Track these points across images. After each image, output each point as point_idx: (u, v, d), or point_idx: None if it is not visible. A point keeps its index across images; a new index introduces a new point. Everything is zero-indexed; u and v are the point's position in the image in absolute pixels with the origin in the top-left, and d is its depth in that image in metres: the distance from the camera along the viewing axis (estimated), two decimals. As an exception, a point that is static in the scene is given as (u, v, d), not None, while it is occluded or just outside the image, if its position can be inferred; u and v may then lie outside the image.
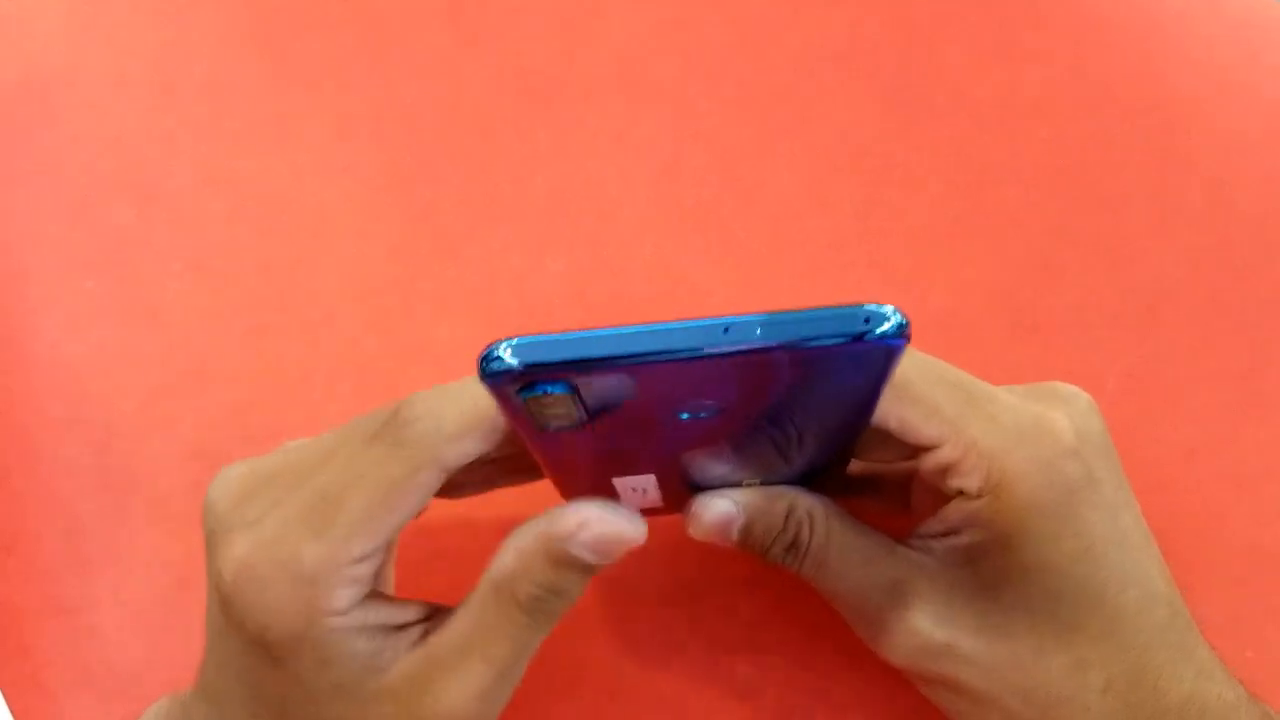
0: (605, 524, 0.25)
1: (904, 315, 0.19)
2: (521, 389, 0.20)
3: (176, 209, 0.38)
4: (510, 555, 0.25)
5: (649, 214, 0.39)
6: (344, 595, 0.24)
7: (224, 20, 0.40)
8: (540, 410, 0.21)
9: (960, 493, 0.26)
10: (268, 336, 0.37)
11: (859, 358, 0.20)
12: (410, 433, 0.24)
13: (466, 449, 0.24)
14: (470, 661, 0.25)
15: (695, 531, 0.27)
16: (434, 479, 0.24)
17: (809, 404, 0.22)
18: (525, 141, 0.39)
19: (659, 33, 0.41)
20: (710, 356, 0.19)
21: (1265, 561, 0.33)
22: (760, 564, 0.28)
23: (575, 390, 0.20)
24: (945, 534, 0.27)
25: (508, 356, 0.19)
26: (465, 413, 0.24)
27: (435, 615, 0.26)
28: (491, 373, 0.20)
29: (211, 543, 0.25)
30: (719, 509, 0.27)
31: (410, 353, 0.37)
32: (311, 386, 0.36)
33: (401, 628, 0.26)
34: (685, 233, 0.38)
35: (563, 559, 0.25)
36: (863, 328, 0.19)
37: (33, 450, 0.36)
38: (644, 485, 0.26)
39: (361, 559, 0.24)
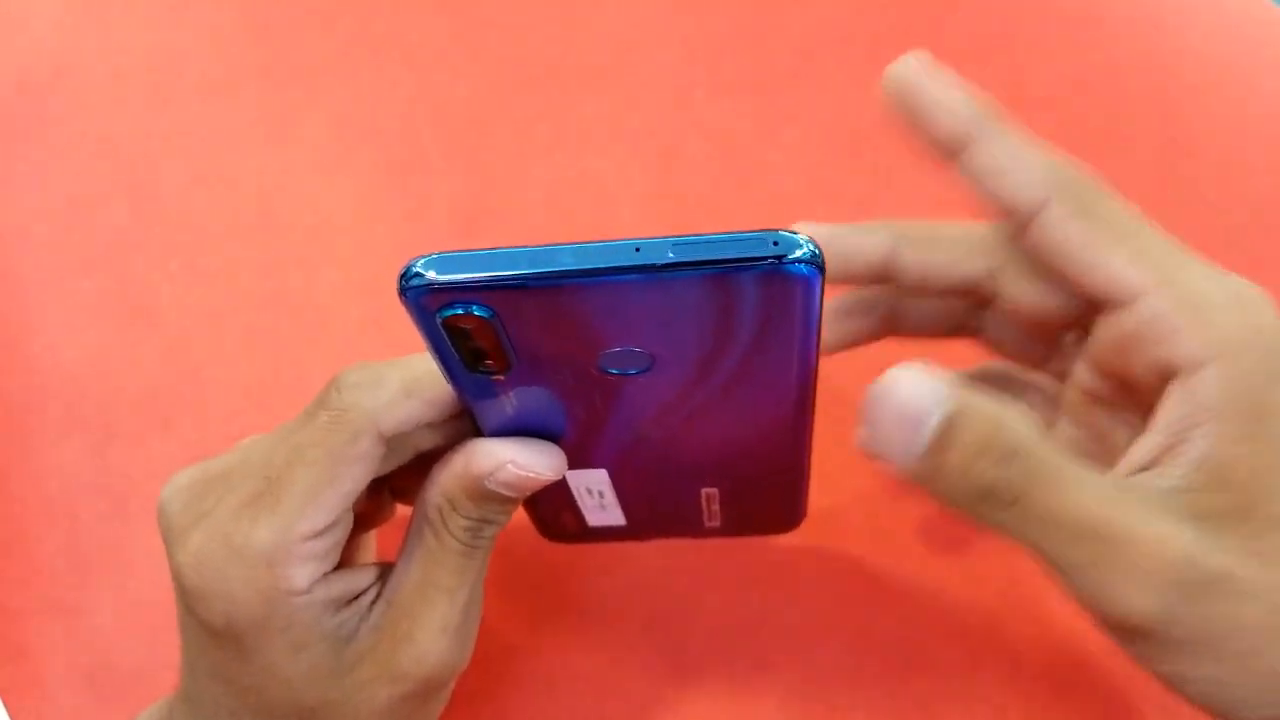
0: (520, 463, 0.24)
1: (817, 246, 0.18)
2: (439, 309, 0.20)
3: (173, 209, 0.38)
4: (436, 493, 0.25)
5: (647, 204, 0.38)
6: (302, 573, 0.24)
7: (219, 20, 0.40)
8: (464, 341, 0.20)
9: (1170, 373, 0.21)
10: (265, 336, 0.37)
11: (773, 290, 0.19)
12: (345, 399, 0.24)
13: (406, 414, 0.24)
14: (429, 599, 0.25)
15: (872, 425, 0.21)
16: (374, 446, 0.24)
17: (733, 356, 0.21)
18: (522, 134, 0.39)
19: (656, 22, 0.41)
20: (622, 281, 0.19)
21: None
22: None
23: (497, 316, 0.20)
24: (1174, 448, 0.22)
25: (423, 272, 0.19)
26: (406, 378, 0.24)
27: (387, 571, 0.26)
28: (410, 287, 0.19)
29: (168, 544, 0.25)
30: (915, 386, 0.21)
31: (407, 351, 0.36)
32: (308, 386, 0.36)
33: (362, 593, 0.26)
34: (684, 223, 0.38)
35: (484, 494, 0.24)
36: (771, 250, 0.18)
37: (31, 452, 0.36)
38: (598, 486, 0.26)
39: (314, 535, 0.24)
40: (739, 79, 0.40)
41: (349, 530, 0.26)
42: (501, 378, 0.21)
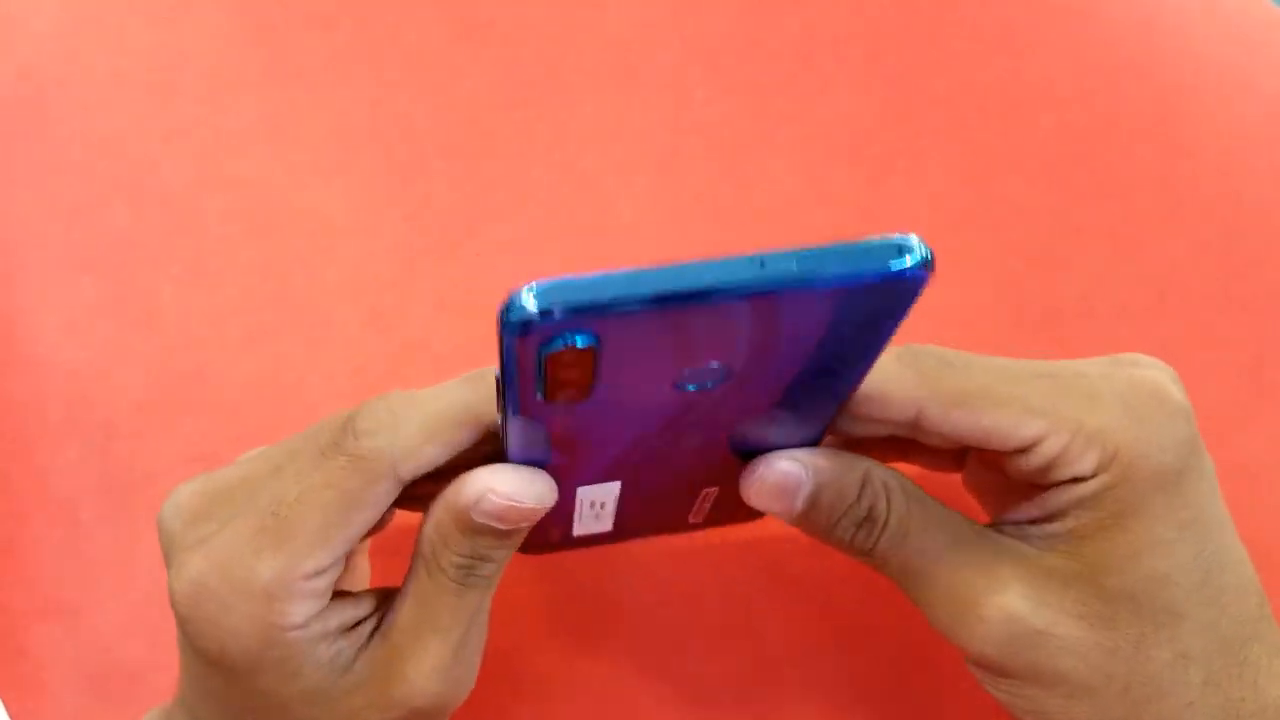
0: (501, 492, 0.23)
1: (927, 246, 0.19)
2: (543, 343, 0.18)
3: (174, 210, 0.38)
4: (430, 528, 0.25)
5: (647, 207, 0.38)
6: (301, 610, 0.24)
7: (220, 20, 0.40)
8: (556, 372, 0.19)
9: (1069, 480, 0.24)
10: (265, 337, 0.37)
11: (887, 296, 0.19)
12: (366, 445, 0.23)
13: (425, 459, 0.24)
14: (423, 640, 0.25)
15: (755, 496, 0.25)
16: (390, 492, 0.24)
17: (817, 361, 0.21)
18: (522, 136, 0.39)
19: (656, 23, 0.41)
20: (746, 296, 0.18)
21: (1274, 554, 0.33)
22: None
23: (599, 344, 0.19)
24: (1045, 519, 0.25)
25: (531, 304, 0.18)
26: (427, 420, 0.23)
27: (385, 601, 0.26)
28: (515, 321, 0.18)
29: (167, 563, 0.25)
30: (784, 470, 0.25)
31: (408, 352, 0.36)
32: (309, 387, 0.36)
33: (359, 623, 0.26)
34: (684, 225, 0.38)
35: (474, 527, 0.24)
36: (897, 259, 0.19)
37: (32, 453, 0.36)
38: (604, 499, 0.26)
39: (317, 573, 0.24)
40: (739, 80, 0.40)
41: (364, 552, 0.26)
42: (573, 406, 0.21)
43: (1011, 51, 0.40)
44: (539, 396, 0.20)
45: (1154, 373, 0.25)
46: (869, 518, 0.25)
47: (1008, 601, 0.24)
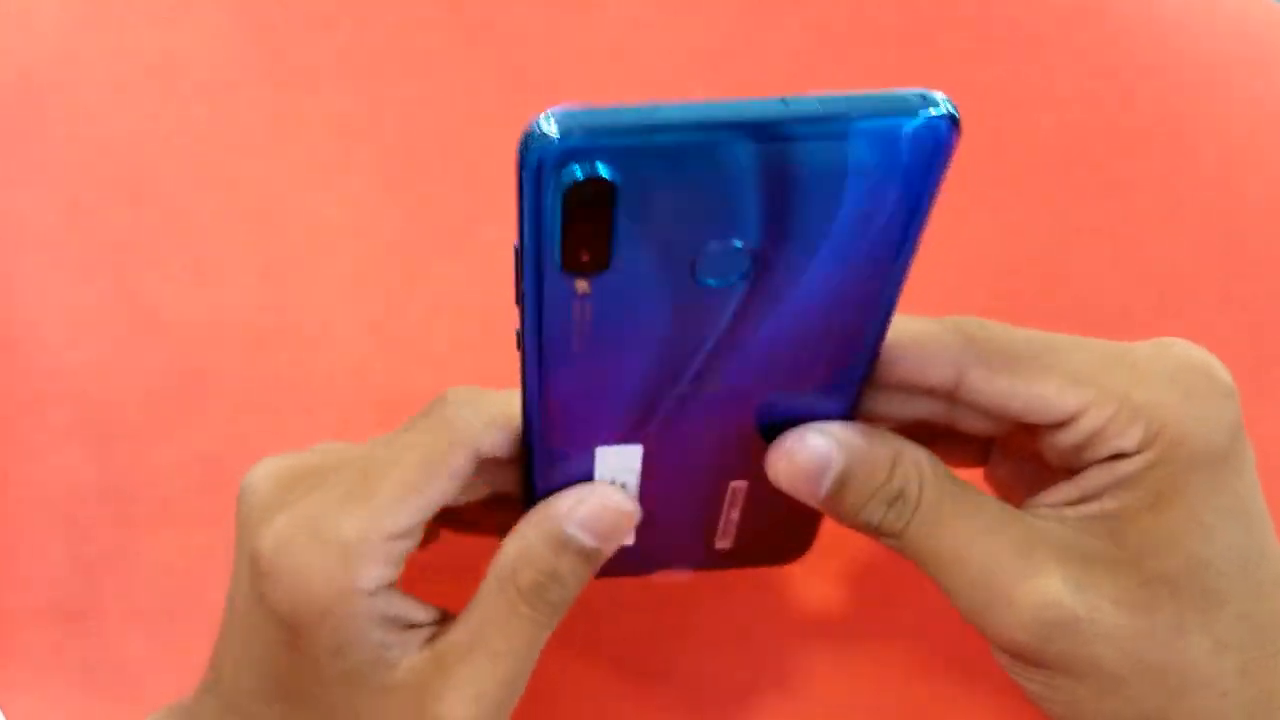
0: (599, 498, 0.25)
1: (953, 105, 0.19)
2: (563, 171, 0.18)
3: (174, 212, 0.38)
4: (511, 545, 0.25)
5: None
6: (374, 573, 0.24)
7: (220, 22, 0.40)
8: (575, 213, 0.18)
9: (1111, 457, 0.23)
10: (267, 340, 0.37)
11: (914, 152, 0.19)
12: (450, 413, 0.25)
13: (499, 439, 0.25)
14: (475, 659, 0.25)
15: (782, 475, 0.24)
16: (469, 462, 0.25)
17: (836, 250, 0.20)
18: (519, 137, 0.39)
19: (655, 25, 0.41)
20: (767, 136, 0.18)
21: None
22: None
23: (619, 182, 0.18)
24: (1082, 500, 0.24)
25: (552, 128, 0.17)
26: (501, 409, 0.25)
27: (445, 621, 0.26)
28: (535, 149, 0.18)
29: (247, 526, 0.25)
30: (815, 446, 0.24)
31: (409, 354, 0.37)
32: (311, 389, 0.36)
33: (414, 626, 0.26)
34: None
35: (561, 542, 0.25)
36: (921, 105, 0.19)
37: (34, 456, 0.36)
38: (628, 471, 0.25)
39: (396, 535, 0.25)
40: (739, 81, 0.40)
41: (417, 545, 0.26)
42: (588, 286, 0.20)
43: (1012, 52, 0.40)
44: (557, 262, 0.19)
45: (1202, 353, 0.24)
46: (900, 497, 0.24)
47: (1045, 586, 0.23)
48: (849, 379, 0.24)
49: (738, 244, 0.20)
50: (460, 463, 0.25)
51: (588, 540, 0.25)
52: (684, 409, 0.24)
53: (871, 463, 0.24)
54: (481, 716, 0.25)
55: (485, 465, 0.25)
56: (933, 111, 0.19)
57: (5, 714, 0.33)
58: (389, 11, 0.40)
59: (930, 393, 0.25)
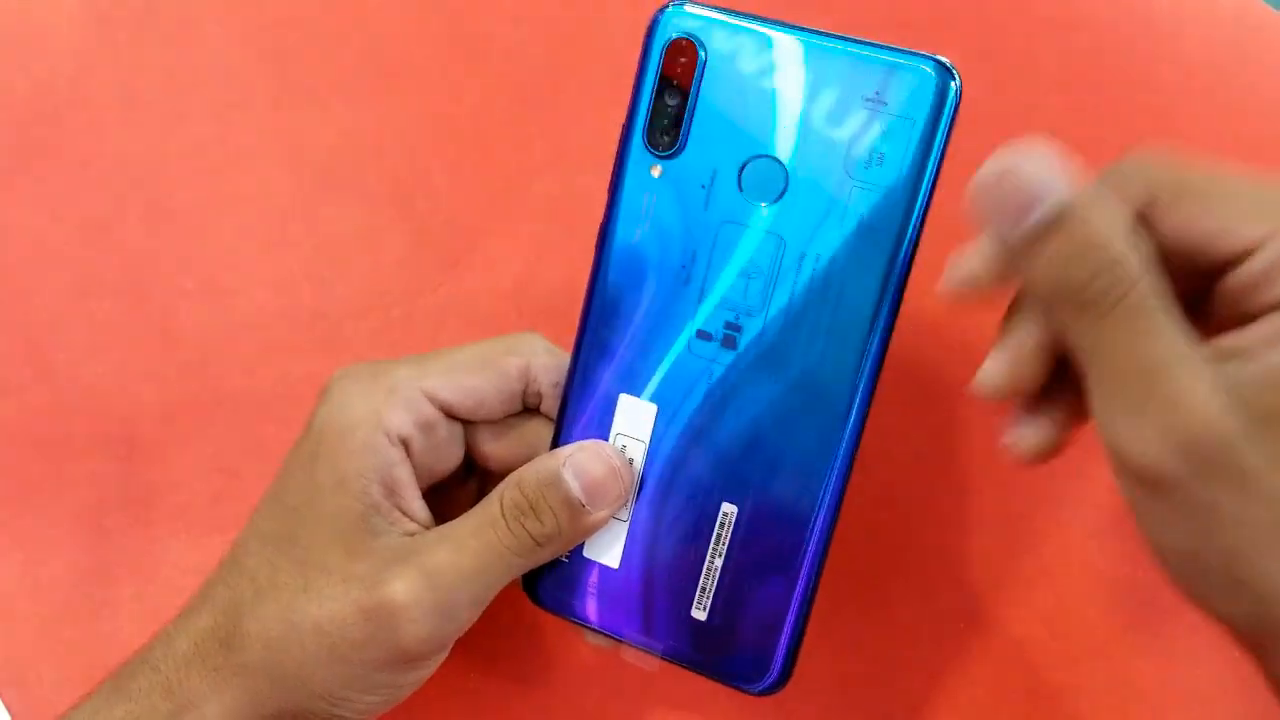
0: (596, 448, 0.27)
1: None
2: (670, 25, 0.26)
3: (187, 228, 0.39)
4: (511, 475, 0.28)
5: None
6: (402, 419, 0.28)
7: (230, 41, 0.41)
8: (664, 93, 0.26)
9: None
10: (278, 350, 0.38)
11: (922, 102, 0.24)
12: (512, 342, 0.30)
13: (549, 363, 0.29)
14: (439, 548, 0.27)
15: (991, 186, 0.22)
16: (519, 369, 0.29)
17: (857, 179, 0.25)
18: (521, 152, 0.40)
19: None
20: (818, 45, 0.25)
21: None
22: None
23: (702, 64, 0.26)
24: (1265, 348, 0.21)
25: (672, 4, 0.26)
26: (550, 351, 0.30)
27: (435, 531, 0.28)
28: (661, 12, 0.26)
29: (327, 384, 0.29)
30: (1041, 163, 0.21)
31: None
32: (318, 402, 0.37)
33: (410, 515, 0.28)
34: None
35: (552, 477, 0.27)
36: (933, 60, 0.25)
37: (59, 464, 0.37)
38: (640, 430, 0.27)
39: (435, 396, 0.28)
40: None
41: (438, 436, 0.29)
42: (660, 168, 0.27)
43: (998, 64, 0.40)
44: (644, 134, 0.27)
45: None
46: (1121, 267, 0.21)
47: (1217, 423, 0.21)
48: (863, 337, 0.26)
49: (777, 158, 0.26)
50: (512, 364, 0.29)
51: (574, 485, 0.27)
52: (699, 372, 0.27)
53: (1103, 213, 0.21)
54: (426, 602, 0.26)
55: (477, 430, 0.30)
56: (945, 65, 0.25)
57: (12, 712, 0.34)
58: (392, 31, 0.41)
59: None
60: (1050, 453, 0.25)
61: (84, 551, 0.36)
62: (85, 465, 0.37)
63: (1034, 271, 0.22)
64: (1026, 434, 0.25)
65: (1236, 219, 0.22)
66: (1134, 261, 0.21)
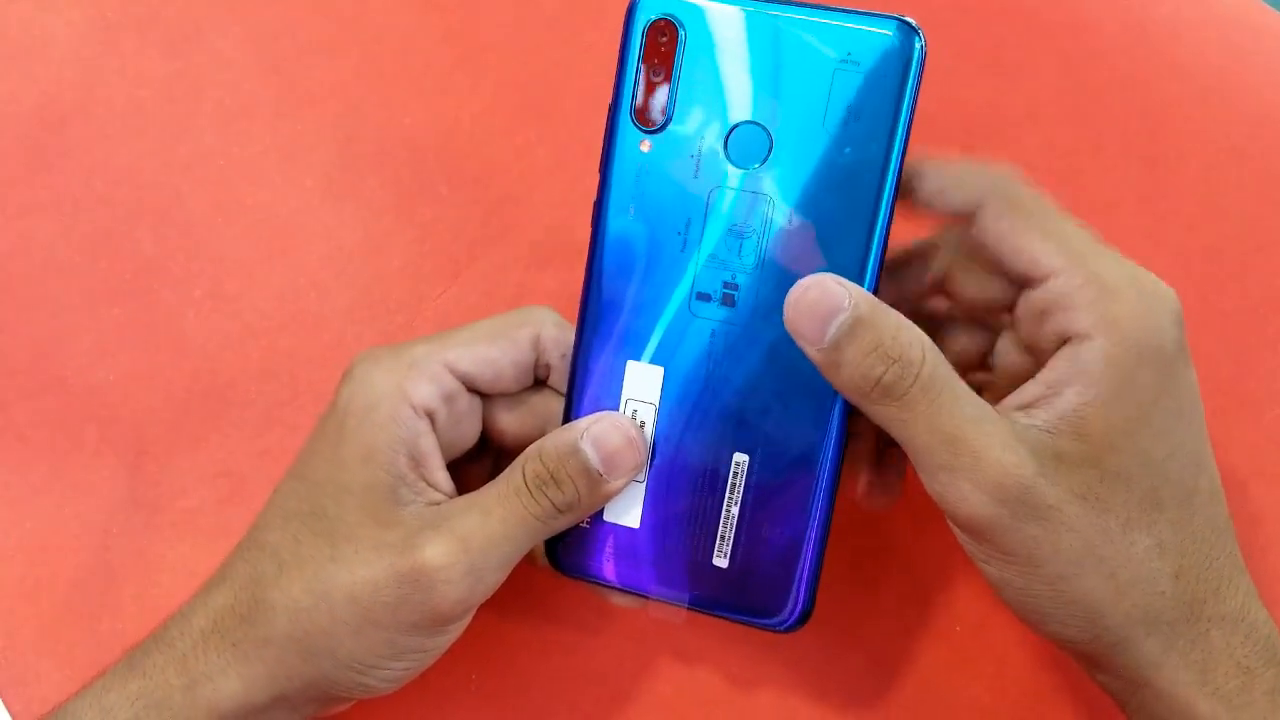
0: (611, 419, 0.28)
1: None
2: (647, 8, 0.27)
3: (194, 236, 0.40)
4: (532, 446, 0.28)
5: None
6: (424, 390, 0.29)
7: (233, 51, 0.41)
8: (649, 68, 0.27)
9: (1066, 340, 0.26)
10: (284, 357, 0.39)
11: (892, 50, 0.26)
12: (526, 314, 0.30)
13: (558, 335, 0.30)
14: (468, 514, 0.28)
15: (794, 312, 0.26)
16: (531, 339, 0.30)
17: (834, 137, 0.27)
18: (523, 158, 0.40)
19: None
20: (789, 16, 0.26)
21: (1251, 561, 0.34)
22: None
23: (682, 43, 0.27)
24: (1047, 397, 0.26)
25: None
26: (558, 324, 0.31)
27: (460, 500, 0.29)
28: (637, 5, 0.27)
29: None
30: (831, 289, 0.26)
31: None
32: (327, 402, 0.38)
33: (436, 486, 0.29)
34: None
35: (571, 448, 0.28)
36: (897, 21, 0.26)
37: (68, 470, 0.38)
38: (649, 396, 0.28)
39: (455, 368, 0.29)
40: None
41: (459, 408, 0.30)
42: (649, 143, 0.28)
43: (997, 71, 0.40)
44: (631, 111, 0.28)
45: (1161, 283, 0.27)
46: (902, 360, 0.25)
47: (1021, 472, 0.25)
48: (854, 280, 0.27)
49: (760, 124, 0.27)
50: (525, 334, 0.30)
51: (593, 455, 0.28)
52: (701, 331, 0.28)
53: (881, 319, 0.26)
54: (460, 565, 0.27)
55: (493, 403, 0.31)
56: (909, 24, 0.26)
57: (12, 712, 0.35)
58: (394, 40, 0.41)
59: (954, 214, 0.28)
60: (892, 503, 0.31)
61: (88, 554, 0.37)
62: (93, 469, 0.38)
63: (841, 377, 0.26)
64: (874, 496, 0.31)
65: (1043, 244, 0.26)
66: (917, 350, 0.25)
